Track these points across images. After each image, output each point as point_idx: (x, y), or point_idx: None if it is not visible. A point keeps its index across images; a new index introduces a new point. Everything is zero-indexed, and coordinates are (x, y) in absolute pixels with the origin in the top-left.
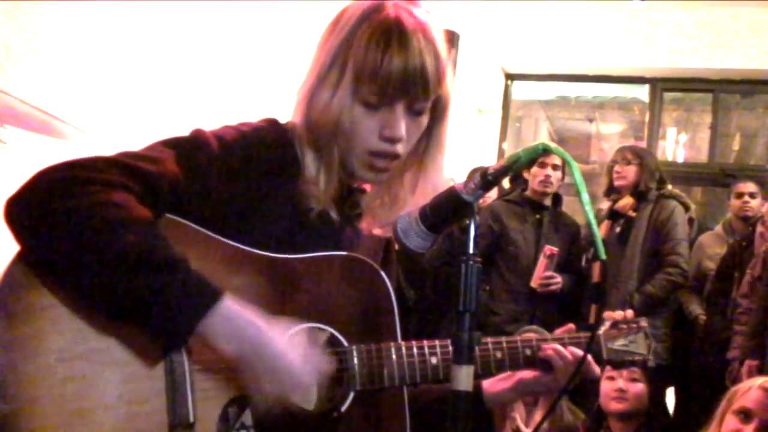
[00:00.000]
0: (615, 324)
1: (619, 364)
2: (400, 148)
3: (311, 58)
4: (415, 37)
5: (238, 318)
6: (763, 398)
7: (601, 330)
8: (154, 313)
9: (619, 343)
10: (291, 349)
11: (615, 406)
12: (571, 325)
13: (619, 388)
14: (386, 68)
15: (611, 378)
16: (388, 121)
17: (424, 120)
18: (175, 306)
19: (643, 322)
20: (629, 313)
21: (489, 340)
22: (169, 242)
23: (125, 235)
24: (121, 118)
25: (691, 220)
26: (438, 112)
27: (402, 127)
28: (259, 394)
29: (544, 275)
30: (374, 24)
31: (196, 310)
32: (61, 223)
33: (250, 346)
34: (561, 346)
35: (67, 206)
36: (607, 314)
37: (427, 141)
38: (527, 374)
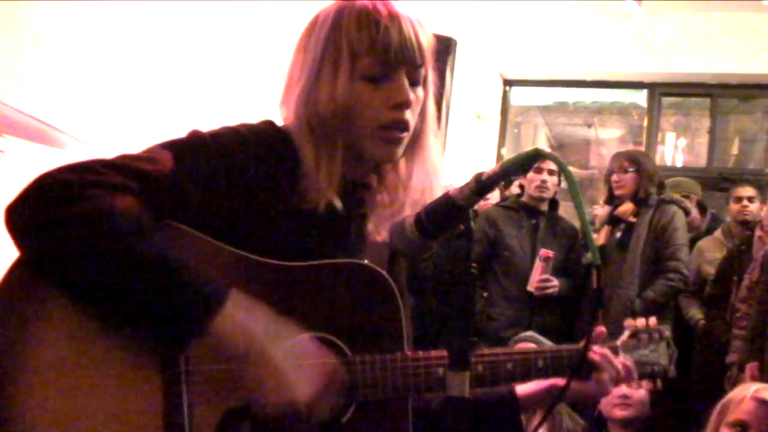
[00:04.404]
0: (635, 333)
1: (638, 376)
2: (408, 116)
3: (290, 67)
4: (400, 13)
5: (248, 314)
6: (756, 409)
7: (620, 340)
8: (165, 314)
9: (638, 354)
10: (294, 358)
11: (619, 412)
12: (602, 329)
13: (623, 394)
14: (383, 37)
15: None
16: (393, 90)
17: (421, 93)
18: (186, 305)
19: (666, 331)
20: (652, 320)
21: (500, 350)
22: (173, 242)
23: (130, 238)
24: (119, 127)
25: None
26: (425, 91)
27: (408, 91)
28: (260, 396)
29: (541, 278)
30: (356, 9)
31: (207, 307)
32: (66, 228)
33: (258, 343)
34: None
35: (70, 211)
36: (627, 322)
37: (419, 122)
38: (561, 381)
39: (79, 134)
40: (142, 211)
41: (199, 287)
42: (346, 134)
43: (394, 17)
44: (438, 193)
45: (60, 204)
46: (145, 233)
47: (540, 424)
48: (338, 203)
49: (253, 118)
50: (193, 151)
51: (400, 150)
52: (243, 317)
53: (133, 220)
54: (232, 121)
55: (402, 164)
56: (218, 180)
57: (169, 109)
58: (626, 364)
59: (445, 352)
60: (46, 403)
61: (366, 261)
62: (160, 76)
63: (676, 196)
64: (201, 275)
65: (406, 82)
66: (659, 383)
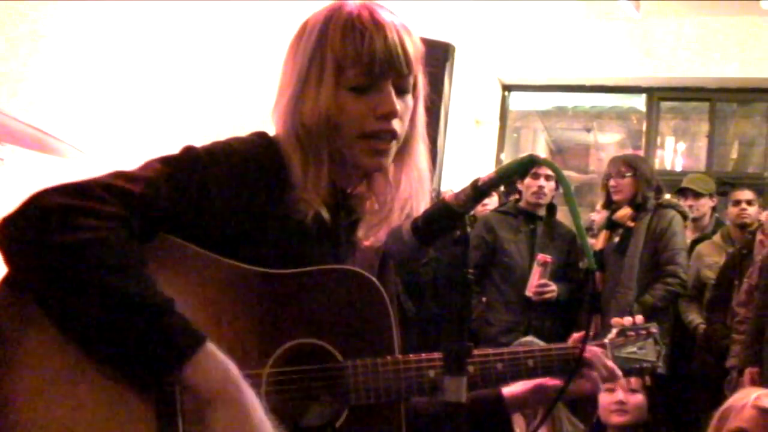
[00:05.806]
0: (623, 331)
1: (626, 372)
2: (396, 126)
3: (281, 75)
4: (387, 21)
5: (217, 367)
6: (757, 417)
7: (608, 338)
8: (135, 356)
9: (627, 351)
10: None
11: (616, 419)
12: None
13: (619, 400)
14: (369, 47)
15: (610, 390)
16: (379, 100)
17: (410, 100)
18: (157, 351)
19: (653, 328)
20: (639, 318)
21: (490, 351)
22: (157, 283)
23: (114, 277)
24: (118, 135)
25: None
26: (414, 97)
27: (395, 102)
28: None
29: (539, 283)
30: (343, 18)
31: (177, 357)
32: (52, 257)
33: (225, 397)
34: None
35: (62, 239)
36: (615, 321)
37: (409, 129)
38: (549, 381)
39: (78, 142)
40: (133, 242)
41: (174, 333)
42: (332, 144)
43: (379, 26)
44: (426, 200)
45: (52, 229)
46: (132, 268)
47: (538, 426)
48: (326, 214)
49: (253, 126)
50: (189, 168)
51: (388, 159)
52: (214, 366)
53: (122, 253)
54: (232, 127)
55: (391, 171)
56: (211, 194)
57: (169, 117)
58: (610, 364)
59: (435, 355)
60: (39, 414)
61: (356, 267)
62: (159, 85)
63: (674, 200)
64: (179, 321)
65: (392, 92)
66: (648, 379)
